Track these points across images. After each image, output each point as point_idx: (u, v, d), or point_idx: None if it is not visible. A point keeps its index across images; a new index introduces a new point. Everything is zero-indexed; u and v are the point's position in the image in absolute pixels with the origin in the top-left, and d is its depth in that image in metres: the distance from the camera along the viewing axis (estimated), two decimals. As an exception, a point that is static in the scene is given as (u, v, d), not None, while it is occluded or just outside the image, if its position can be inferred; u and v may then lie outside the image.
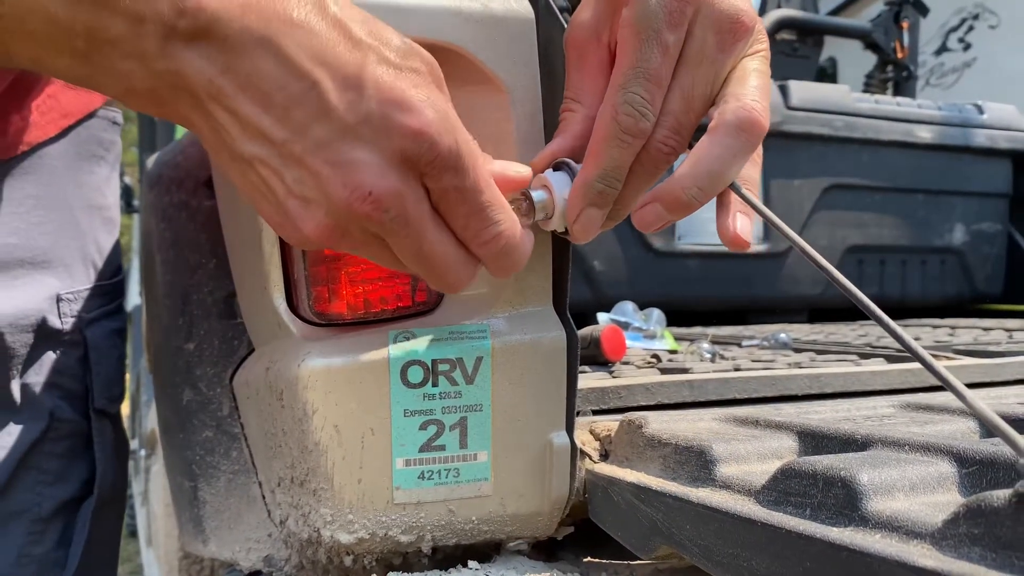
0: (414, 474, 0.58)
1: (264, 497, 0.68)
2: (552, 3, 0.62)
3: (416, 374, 0.57)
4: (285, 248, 0.59)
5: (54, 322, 0.77)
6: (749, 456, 0.55)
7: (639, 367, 0.90)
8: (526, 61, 0.59)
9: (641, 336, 1.16)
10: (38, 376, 0.76)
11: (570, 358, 0.61)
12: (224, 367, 0.67)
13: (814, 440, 0.57)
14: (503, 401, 0.59)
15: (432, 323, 0.59)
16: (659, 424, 0.62)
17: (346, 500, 0.58)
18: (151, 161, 0.74)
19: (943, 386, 0.44)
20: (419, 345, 0.57)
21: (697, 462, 0.55)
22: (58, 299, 0.77)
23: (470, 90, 0.59)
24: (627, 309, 1.21)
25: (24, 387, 0.75)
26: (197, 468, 0.67)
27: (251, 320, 0.67)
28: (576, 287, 1.68)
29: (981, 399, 0.75)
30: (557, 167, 0.55)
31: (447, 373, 0.57)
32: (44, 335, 0.76)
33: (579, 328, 1.02)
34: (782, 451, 0.56)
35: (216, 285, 0.69)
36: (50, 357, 0.77)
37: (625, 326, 1.18)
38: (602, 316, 1.21)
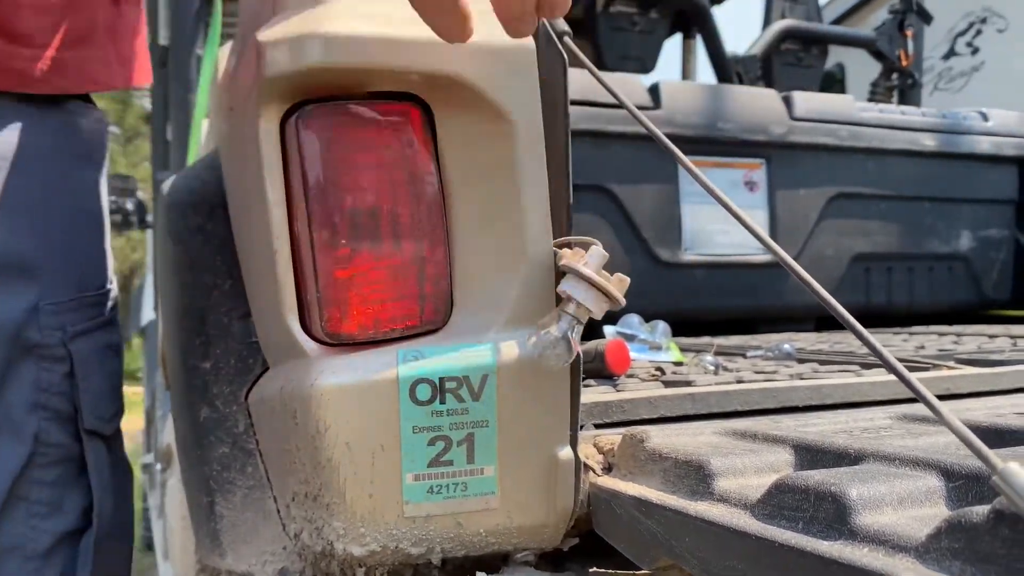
0: (423, 488, 0.60)
1: (279, 511, 0.70)
2: (552, 34, 0.64)
3: (424, 392, 0.59)
4: (298, 271, 0.62)
5: (33, 335, 0.72)
6: (746, 470, 0.57)
7: (643, 380, 0.92)
8: (527, 90, 0.61)
9: (647, 348, 1.18)
10: (19, 395, 0.71)
11: (573, 373, 0.63)
12: (240, 385, 0.70)
13: (810, 454, 0.58)
14: (508, 417, 0.61)
15: (439, 341, 0.61)
16: (660, 438, 0.64)
17: (358, 514, 0.60)
18: (167, 185, 0.77)
19: (933, 398, 0.45)
20: (427, 364, 0.59)
21: (696, 476, 0.57)
22: (37, 309, 0.72)
23: (473, 117, 0.61)
24: (633, 322, 1.23)
25: (3, 407, 0.70)
26: (214, 483, 0.70)
27: (265, 340, 0.69)
28: (584, 298, 1.70)
29: (978, 410, 0.77)
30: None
31: (454, 390, 0.59)
32: (23, 349, 0.71)
33: (585, 341, 1.04)
34: (778, 465, 0.58)
35: (232, 306, 0.71)
36: (31, 373, 0.72)
37: (631, 338, 1.19)
38: (608, 329, 1.23)
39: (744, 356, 1.18)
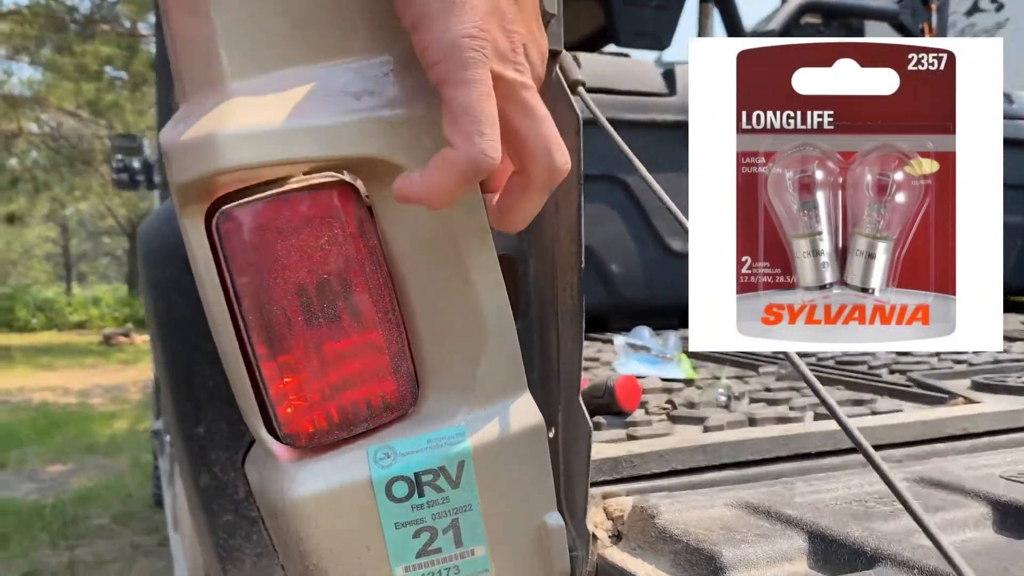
0: None
1: None
2: (565, 85, 0.61)
3: (401, 489, 0.57)
4: (251, 371, 0.57)
5: None
6: (759, 561, 0.56)
7: (651, 413, 0.90)
8: None
9: (658, 361, 1.16)
10: None
11: (582, 447, 0.62)
12: (235, 450, 0.68)
13: (824, 543, 0.57)
14: (491, 496, 0.59)
15: (409, 430, 0.59)
16: (671, 513, 0.63)
17: None
18: (141, 229, 0.73)
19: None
20: (400, 460, 0.57)
21: (707, 567, 0.56)
22: None
23: None
24: (644, 333, 1.21)
25: None
26: (223, 551, 0.68)
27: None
28: (593, 289, 1.68)
29: (997, 467, 0.75)
30: None
31: (432, 483, 0.58)
32: None
33: (592, 332, 1.01)
34: (791, 554, 0.57)
35: (216, 368, 0.67)
36: None
37: (641, 349, 1.18)
38: (618, 340, 1.21)
39: (756, 372, 1.16)
